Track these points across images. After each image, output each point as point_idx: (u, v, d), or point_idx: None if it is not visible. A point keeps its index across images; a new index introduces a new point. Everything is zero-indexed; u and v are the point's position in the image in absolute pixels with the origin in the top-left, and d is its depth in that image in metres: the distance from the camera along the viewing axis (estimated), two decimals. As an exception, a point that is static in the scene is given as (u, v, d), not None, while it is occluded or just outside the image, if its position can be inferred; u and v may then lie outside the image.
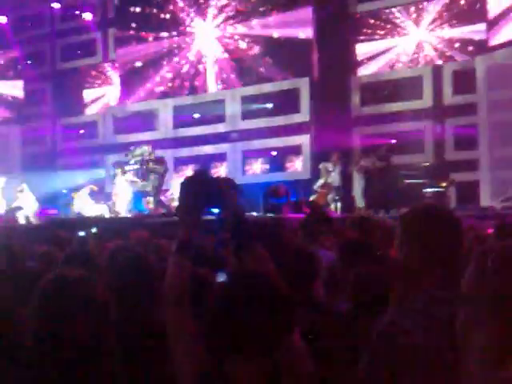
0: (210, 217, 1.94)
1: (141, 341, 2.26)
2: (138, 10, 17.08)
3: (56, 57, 18.79)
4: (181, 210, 1.80)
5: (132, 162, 13.27)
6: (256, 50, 15.64)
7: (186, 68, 16.69)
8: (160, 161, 13.07)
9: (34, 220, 12.71)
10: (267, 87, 15.41)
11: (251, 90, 15.67)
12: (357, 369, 1.92)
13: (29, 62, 18.85)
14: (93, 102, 18.38)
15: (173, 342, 1.68)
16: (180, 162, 16.40)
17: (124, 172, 13.35)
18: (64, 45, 18.62)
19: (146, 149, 13.34)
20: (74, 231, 6.69)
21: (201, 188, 1.76)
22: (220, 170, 15.82)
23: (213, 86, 16.34)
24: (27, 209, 13.09)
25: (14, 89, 18.88)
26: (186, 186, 1.79)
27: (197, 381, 1.58)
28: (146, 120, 17.21)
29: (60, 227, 7.80)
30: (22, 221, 12.62)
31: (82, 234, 5.95)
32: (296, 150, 15.07)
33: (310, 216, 4.25)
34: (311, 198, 11.47)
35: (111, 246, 4.80)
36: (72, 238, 5.73)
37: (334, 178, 11.57)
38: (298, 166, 15.10)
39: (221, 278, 2.78)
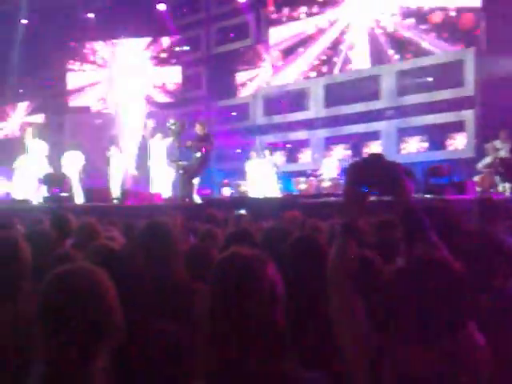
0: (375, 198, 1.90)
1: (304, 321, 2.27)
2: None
3: (211, 41, 19.39)
4: (348, 192, 1.78)
5: (172, 139, 12.18)
6: (414, 21, 14.80)
7: (338, 44, 16.30)
8: (202, 139, 11.20)
9: None
10: (426, 60, 14.51)
11: (408, 65, 14.88)
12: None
13: (186, 47, 19.66)
14: (245, 83, 18.71)
15: (338, 325, 1.70)
16: (332, 142, 16.13)
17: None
18: (218, 29, 19.14)
19: (179, 124, 11.84)
20: (228, 211, 6.81)
21: (373, 172, 1.73)
22: (373, 149, 15.29)
23: (367, 62, 15.77)
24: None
25: (174, 74, 19.81)
26: (358, 168, 1.77)
27: (365, 366, 1.59)
28: (297, 100, 17.13)
29: (215, 207, 7.98)
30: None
31: (237, 213, 6.07)
32: (458, 127, 14.01)
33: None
34: (475, 179, 10.62)
35: (265, 227, 4.74)
36: (227, 217, 5.84)
37: (503, 156, 10.59)
38: (460, 144, 14.08)
39: None
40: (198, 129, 11.29)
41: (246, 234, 3.61)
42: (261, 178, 13.50)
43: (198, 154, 10.97)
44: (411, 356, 1.49)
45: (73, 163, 13.62)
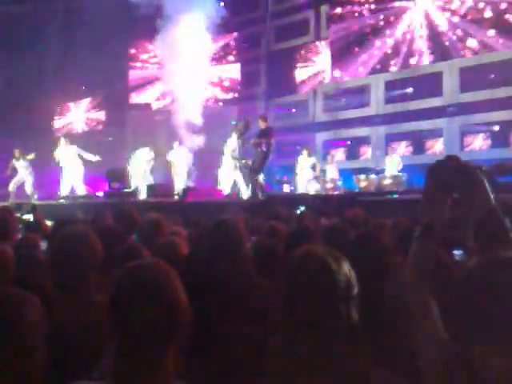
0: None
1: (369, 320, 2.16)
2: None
3: (270, 38, 19.35)
4: (428, 192, 1.77)
5: (233, 137, 12.28)
6: (477, 17, 14.31)
7: (399, 41, 15.96)
8: (262, 133, 11.19)
9: None
10: (489, 57, 14.03)
11: (471, 61, 14.42)
12: None
13: (245, 44, 19.68)
14: (305, 80, 18.58)
15: (413, 326, 1.67)
16: (392, 139, 15.82)
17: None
18: (278, 26, 19.07)
19: (243, 123, 12.03)
20: (290, 208, 6.80)
21: (451, 174, 1.71)
22: (435, 147, 14.90)
23: (427, 59, 15.38)
24: None
25: (233, 71, 19.88)
26: (435, 170, 1.76)
27: (442, 368, 1.54)
28: (357, 96, 16.90)
29: (278, 204, 7.97)
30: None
31: (299, 211, 6.08)
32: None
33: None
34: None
35: (327, 224, 4.69)
36: (291, 214, 5.82)
37: None
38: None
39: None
40: (261, 123, 11.52)
41: (307, 232, 3.59)
42: (306, 176, 13.53)
43: (259, 150, 11.16)
44: (483, 357, 1.44)
45: (141, 160, 13.93)
